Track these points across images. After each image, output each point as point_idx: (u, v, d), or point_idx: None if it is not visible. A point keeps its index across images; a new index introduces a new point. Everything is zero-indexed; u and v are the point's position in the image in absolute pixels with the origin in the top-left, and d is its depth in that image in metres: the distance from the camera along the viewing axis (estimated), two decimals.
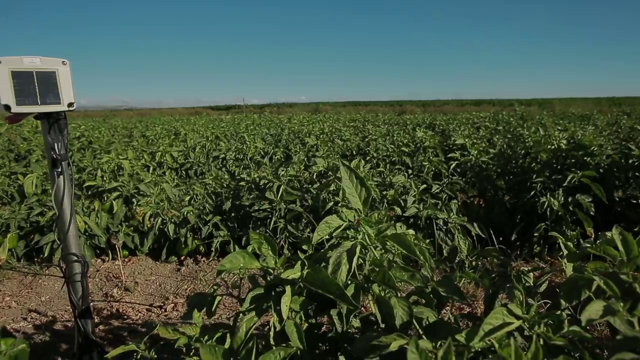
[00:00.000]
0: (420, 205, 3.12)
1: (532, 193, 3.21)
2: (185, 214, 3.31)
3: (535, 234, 3.18)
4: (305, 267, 1.12)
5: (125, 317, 2.71)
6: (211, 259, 3.33)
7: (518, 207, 3.34)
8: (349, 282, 1.09)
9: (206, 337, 1.15)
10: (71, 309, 1.68)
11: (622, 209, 3.45)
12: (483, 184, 3.87)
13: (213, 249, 3.25)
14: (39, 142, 5.67)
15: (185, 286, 3.10)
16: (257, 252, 1.11)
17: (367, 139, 7.02)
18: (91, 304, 2.95)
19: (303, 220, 3.16)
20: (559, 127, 5.36)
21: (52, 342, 2.31)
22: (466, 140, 4.51)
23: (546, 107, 23.56)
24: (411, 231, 1.29)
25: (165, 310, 2.80)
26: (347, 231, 1.22)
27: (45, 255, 3.20)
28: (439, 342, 0.85)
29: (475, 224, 3.19)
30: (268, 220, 3.11)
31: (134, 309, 2.83)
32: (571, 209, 3.10)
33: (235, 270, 1.09)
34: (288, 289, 1.01)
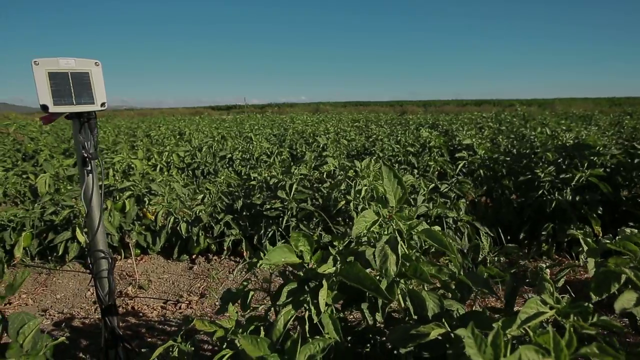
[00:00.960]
0: (430, 204, 3.16)
1: (540, 192, 3.25)
2: (197, 212, 3.35)
3: (543, 233, 3.23)
4: (338, 262, 1.16)
5: (141, 314, 2.75)
6: (223, 257, 3.36)
7: (526, 206, 3.38)
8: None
9: (240, 330, 1.18)
10: (98, 305, 1.72)
11: (628, 208, 3.50)
12: (490, 184, 3.91)
13: (225, 247, 3.29)
14: (46, 142, 5.70)
15: (198, 284, 3.13)
16: (295, 248, 1.15)
17: (371, 139, 7.07)
18: None
19: (314, 219, 3.20)
20: (563, 127, 5.40)
21: (72, 339, 2.34)
22: (473, 140, 4.55)
23: (547, 108, 23.63)
24: (437, 227, 1.33)
25: (180, 308, 2.83)
26: (373, 228, 1.26)
27: (60, 253, 3.24)
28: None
29: (483, 223, 3.23)
30: (280, 219, 3.15)
31: (149, 306, 2.87)
32: (579, 207, 3.14)
33: (277, 264, 1.13)
34: (325, 283, 1.05)
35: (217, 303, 2.89)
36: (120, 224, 3.40)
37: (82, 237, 3.22)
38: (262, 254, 1.56)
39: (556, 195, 3.12)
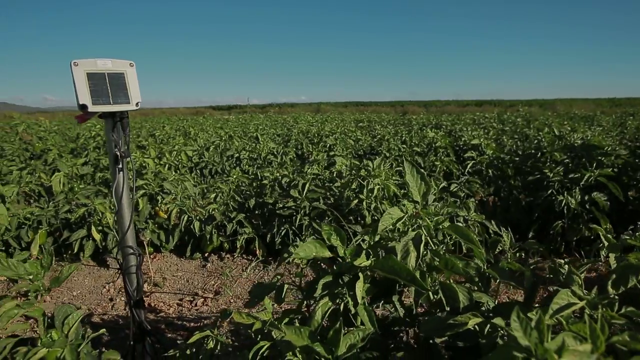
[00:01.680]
0: (441, 203, 3.20)
1: (549, 192, 3.30)
2: (210, 211, 3.39)
3: (552, 232, 3.27)
4: (371, 256, 1.20)
5: (159, 311, 2.79)
6: (236, 255, 3.41)
7: (535, 205, 3.42)
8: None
9: (275, 322, 1.23)
10: (126, 299, 1.76)
11: (634, 207, 3.55)
12: (498, 183, 3.96)
13: (238, 246, 3.33)
14: (55, 142, 5.74)
15: (212, 282, 3.18)
16: (327, 242, 1.19)
17: (376, 139, 7.11)
18: (123, 299, 3.05)
19: (326, 217, 3.24)
20: (568, 128, 5.45)
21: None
22: (481, 140, 4.60)
23: (547, 108, 23.69)
24: (460, 224, 1.37)
25: (196, 305, 2.88)
26: (398, 224, 1.31)
27: (75, 251, 3.28)
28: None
29: (492, 222, 3.27)
30: (293, 218, 3.19)
31: (165, 303, 2.91)
32: (587, 207, 3.19)
33: (308, 258, 1.17)
34: (362, 275, 1.10)
35: (231, 300, 2.93)
36: (135, 222, 3.43)
37: (97, 235, 3.26)
38: (291, 249, 1.62)
39: (565, 194, 3.16)
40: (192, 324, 2.55)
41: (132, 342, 1.78)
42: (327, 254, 1.18)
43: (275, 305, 1.97)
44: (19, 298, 1.53)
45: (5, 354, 1.16)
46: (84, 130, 7.44)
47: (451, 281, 1.37)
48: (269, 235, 3.30)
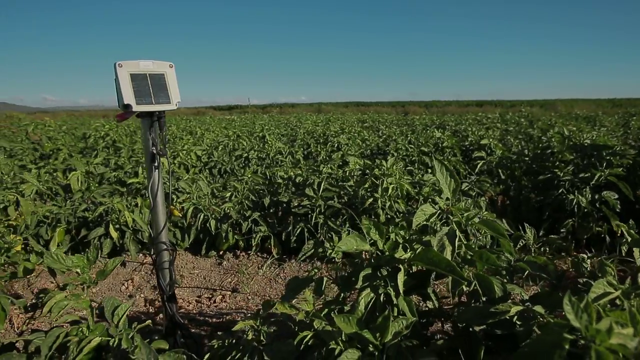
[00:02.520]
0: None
1: (560, 191, 3.35)
2: (226, 210, 3.44)
3: (563, 230, 3.33)
4: (408, 250, 1.26)
5: (179, 307, 2.83)
6: (252, 253, 3.46)
7: (545, 204, 3.48)
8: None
9: (318, 313, 1.28)
10: (159, 294, 1.82)
11: None
12: (507, 182, 4.02)
13: (254, 244, 3.38)
14: (65, 141, 5.79)
15: (229, 279, 3.23)
16: (367, 235, 1.25)
17: (382, 138, 7.17)
18: (142, 295, 3.10)
19: (341, 216, 3.29)
20: (574, 128, 5.51)
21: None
22: (490, 140, 4.66)
23: (548, 108, 23.77)
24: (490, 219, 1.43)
25: (215, 302, 2.93)
26: (430, 220, 1.37)
27: (93, 249, 3.32)
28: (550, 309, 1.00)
29: (504, 220, 3.33)
30: (309, 216, 3.24)
31: (184, 299, 2.96)
32: (597, 205, 3.24)
33: (350, 251, 1.22)
34: (402, 267, 1.15)
35: (249, 297, 2.99)
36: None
37: (114, 234, 3.31)
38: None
39: (576, 193, 3.22)
40: (214, 320, 2.60)
41: (164, 335, 1.83)
42: (367, 247, 1.23)
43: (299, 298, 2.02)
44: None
45: (60, 341, 1.21)
46: (92, 130, 7.49)
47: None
48: (284, 234, 3.36)
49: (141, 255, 3.60)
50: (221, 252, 3.59)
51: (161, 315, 2.69)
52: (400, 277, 1.14)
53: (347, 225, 3.21)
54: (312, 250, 3.29)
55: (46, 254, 1.39)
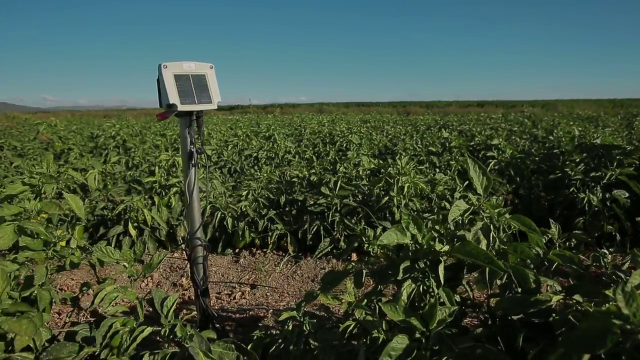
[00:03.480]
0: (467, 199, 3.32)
1: (571, 189, 3.42)
2: (242, 208, 3.50)
3: (573, 228, 3.39)
4: (445, 243, 1.32)
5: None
6: (268, 251, 3.52)
7: (556, 202, 3.55)
8: None
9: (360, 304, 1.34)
10: (193, 288, 1.87)
11: None
12: (517, 181, 4.08)
13: (270, 242, 3.44)
14: (76, 141, 5.85)
15: (247, 276, 3.29)
16: (406, 230, 1.31)
17: (388, 138, 7.24)
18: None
19: (356, 215, 3.35)
20: (580, 128, 5.58)
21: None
22: (500, 140, 4.73)
23: (549, 109, 23.88)
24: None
25: (235, 298, 2.98)
26: (465, 215, 1.43)
27: (112, 246, 3.38)
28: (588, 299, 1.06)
29: None
30: (325, 214, 3.30)
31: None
32: (608, 204, 3.31)
33: (391, 245, 1.28)
34: (442, 259, 1.21)
35: (268, 294, 3.04)
36: (168, 219, 3.55)
37: (133, 232, 3.37)
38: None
39: (587, 192, 3.28)
40: (237, 315, 2.66)
41: (198, 328, 1.89)
42: (408, 240, 1.29)
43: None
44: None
45: (114, 330, 1.27)
46: (100, 130, 7.55)
47: None
48: (300, 232, 3.41)
49: (157, 252, 3.66)
50: (237, 250, 3.65)
51: (184, 311, 2.75)
52: (441, 269, 1.20)
53: (363, 223, 3.27)
54: (329, 247, 3.36)
55: (96, 247, 1.45)
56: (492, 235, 1.35)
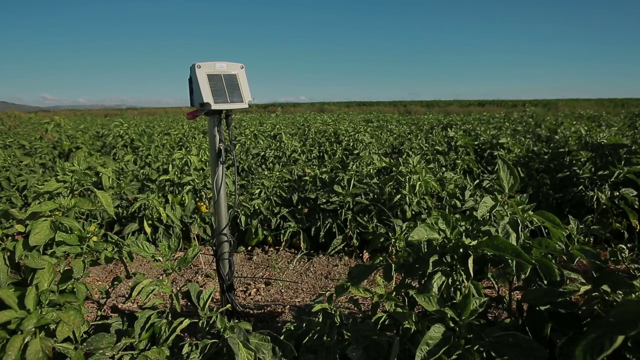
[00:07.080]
0: (476, 198, 3.37)
1: (580, 188, 3.47)
2: (255, 206, 3.55)
3: (582, 226, 3.44)
4: (470, 237, 1.37)
5: (215, 299, 2.94)
6: (281, 248, 3.57)
7: (564, 201, 3.60)
8: None
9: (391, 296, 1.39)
10: (219, 283, 1.92)
11: None
12: (525, 180, 4.13)
13: (283, 239, 3.49)
14: (84, 140, 5.89)
15: (260, 273, 3.33)
16: (435, 225, 1.35)
17: (394, 136, 7.29)
18: (177, 288, 3.20)
19: (369, 212, 3.40)
20: (585, 128, 5.63)
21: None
22: (509, 139, 4.78)
23: (551, 108, 23.94)
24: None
25: (250, 294, 3.03)
26: (493, 211, 1.48)
27: None
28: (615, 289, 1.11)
29: None
30: (338, 212, 3.35)
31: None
32: (616, 202, 3.36)
33: (422, 240, 1.33)
34: (472, 253, 1.26)
35: (282, 290, 3.09)
36: (182, 216, 3.59)
37: (148, 229, 3.41)
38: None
39: (595, 191, 3.33)
40: (255, 311, 2.71)
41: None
42: (437, 236, 1.34)
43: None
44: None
45: (152, 322, 1.31)
46: (105, 129, 7.59)
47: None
48: (313, 229, 3.46)
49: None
50: (250, 248, 3.70)
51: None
52: (471, 262, 1.25)
53: (375, 220, 3.32)
54: (342, 244, 3.40)
55: (131, 242, 1.50)
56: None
